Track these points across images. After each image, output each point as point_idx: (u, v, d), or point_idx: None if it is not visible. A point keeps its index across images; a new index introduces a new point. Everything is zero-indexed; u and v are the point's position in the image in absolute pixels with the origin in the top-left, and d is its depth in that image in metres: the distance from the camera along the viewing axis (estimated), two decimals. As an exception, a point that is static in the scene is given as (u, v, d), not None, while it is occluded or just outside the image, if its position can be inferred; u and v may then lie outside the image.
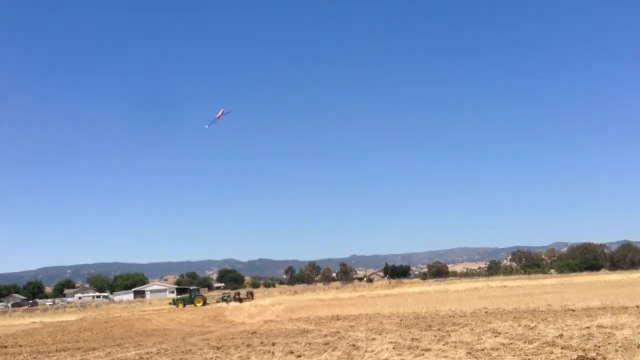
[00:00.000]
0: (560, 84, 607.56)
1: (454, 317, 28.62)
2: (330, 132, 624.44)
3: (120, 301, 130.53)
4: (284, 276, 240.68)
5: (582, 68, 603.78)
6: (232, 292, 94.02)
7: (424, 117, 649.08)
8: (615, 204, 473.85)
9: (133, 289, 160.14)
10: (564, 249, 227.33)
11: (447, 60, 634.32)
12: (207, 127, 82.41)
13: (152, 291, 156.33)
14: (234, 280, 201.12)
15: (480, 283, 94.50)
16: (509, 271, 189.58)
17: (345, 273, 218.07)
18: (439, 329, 22.24)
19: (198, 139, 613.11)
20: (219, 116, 78.88)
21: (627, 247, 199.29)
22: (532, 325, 21.08)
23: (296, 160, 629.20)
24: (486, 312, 30.71)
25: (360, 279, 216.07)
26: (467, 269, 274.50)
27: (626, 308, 27.17)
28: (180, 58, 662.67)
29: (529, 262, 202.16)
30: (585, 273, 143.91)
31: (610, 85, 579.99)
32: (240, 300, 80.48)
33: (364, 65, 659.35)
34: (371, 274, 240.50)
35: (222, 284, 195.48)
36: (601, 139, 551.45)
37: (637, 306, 27.77)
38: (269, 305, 58.61)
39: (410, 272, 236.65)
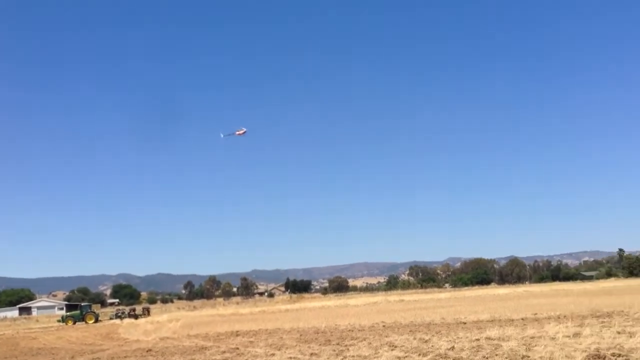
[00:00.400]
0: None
1: (352, 331, 29.03)
2: (231, 148, 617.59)
3: (4, 318, 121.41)
4: (183, 291, 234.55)
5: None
6: (127, 309, 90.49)
7: (315, 132, 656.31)
8: (504, 221, 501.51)
9: (18, 306, 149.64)
10: (458, 264, 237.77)
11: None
12: (222, 136, 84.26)
13: (39, 308, 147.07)
14: (129, 295, 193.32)
15: (379, 297, 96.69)
16: (406, 285, 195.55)
17: (246, 288, 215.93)
18: (337, 344, 22.46)
19: (89, 154, 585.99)
20: (240, 134, 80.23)
21: (514, 262, 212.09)
22: (427, 338, 21.77)
23: (195, 174, 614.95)
24: (384, 326, 31.41)
25: (262, 294, 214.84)
26: (367, 283, 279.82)
27: (512, 320, 28.76)
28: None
29: (426, 277, 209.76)
30: (476, 287, 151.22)
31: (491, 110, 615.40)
32: (136, 317, 77.57)
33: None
34: (272, 289, 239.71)
35: (117, 300, 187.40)
36: (489, 158, 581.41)
37: (522, 319, 29.47)
38: (166, 322, 57.02)
39: (312, 286, 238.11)
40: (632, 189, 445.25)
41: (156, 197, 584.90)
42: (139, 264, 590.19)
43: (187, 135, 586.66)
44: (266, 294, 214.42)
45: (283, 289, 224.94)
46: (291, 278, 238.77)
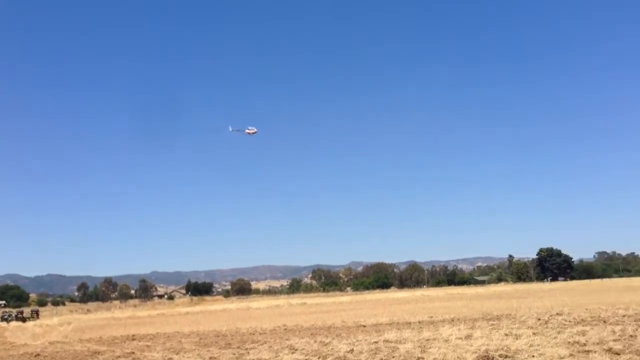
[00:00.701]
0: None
1: (254, 334, 28.87)
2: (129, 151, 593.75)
3: None
4: (76, 293, 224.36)
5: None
6: (14, 311, 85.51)
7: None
8: (405, 226, 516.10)
9: None
10: (360, 268, 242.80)
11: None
12: (230, 129, 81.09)
13: None
14: (16, 297, 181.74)
15: (282, 300, 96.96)
16: (309, 289, 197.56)
17: (144, 290, 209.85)
18: (238, 347, 22.25)
19: None
20: (250, 132, 76.66)
21: (413, 267, 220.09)
22: (327, 341, 22.01)
23: (95, 173, 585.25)
24: (285, 329, 31.47)
25: (161, 297, 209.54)
26: (269, 286, 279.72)
27: (409, 323, 29.70)
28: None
29: (328, 280, 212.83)
30: (377, 291, 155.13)
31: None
32: (24, 320, 73.30)
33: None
34: (172, 291, 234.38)
35: (3, 302, 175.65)
36: (392, 163, 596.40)
37: (419, 322, 30.52)
38: (57, 325, 54.46)
39: (214, 289, 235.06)
40: (521, 199, 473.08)
41: (46, 194, 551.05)
42: (27, 263, 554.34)
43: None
44: (166, 296, 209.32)
45: (184, 291, 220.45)
46: (193, 280, 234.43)
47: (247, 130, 78.73)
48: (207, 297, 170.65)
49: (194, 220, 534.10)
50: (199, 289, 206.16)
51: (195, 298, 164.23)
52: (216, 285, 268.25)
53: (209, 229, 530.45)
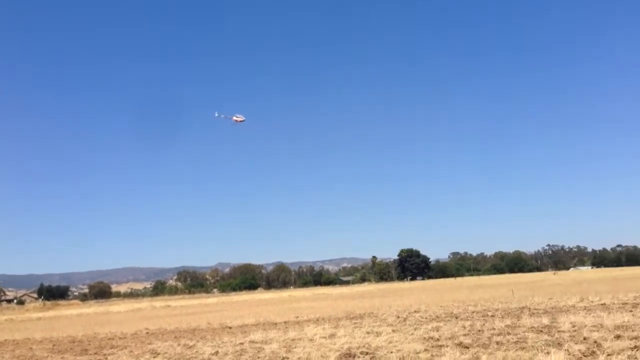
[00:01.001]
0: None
1: (113, 339, 27.61)
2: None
3: None
4: None
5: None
6: None
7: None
8: (271, 228, 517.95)
9: None
10: (227, 269, 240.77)
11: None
12: (216, 114, 75.61)
13: None
14: None
15: (145, 303, 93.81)
16: (174, 291, 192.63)
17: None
18: (95, 353, 21.19)
19: None
20: (237, 120, 69.77)
21: (280, 268, 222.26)
22: (191, 344, 21.58)
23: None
24: (147, 332, 30.43)
25: (10, 301, 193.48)
26: (132, 289, 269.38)
27: (275, 324, 29.92)
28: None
29: (194, 282, 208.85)
30: (244, 292, 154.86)
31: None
32: None
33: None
34: (23, 295, 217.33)
35: None
36: (257, 168, 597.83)
37: (285, 322, 30.85)
38: None
39: (70, 292, 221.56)
40: (384, 202, 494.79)
41: None
42: None
43: None
44: (15, 301, 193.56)
45: (36, 295, 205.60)
46: (46, 283, 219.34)
47: (234, 118, 75.61)
48: (62, 302, 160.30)
49: (48, 219, 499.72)
50: (53, 293, 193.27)
51: (48, 302, 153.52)
52: (73, 289, 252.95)
53: (65, 228, 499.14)
